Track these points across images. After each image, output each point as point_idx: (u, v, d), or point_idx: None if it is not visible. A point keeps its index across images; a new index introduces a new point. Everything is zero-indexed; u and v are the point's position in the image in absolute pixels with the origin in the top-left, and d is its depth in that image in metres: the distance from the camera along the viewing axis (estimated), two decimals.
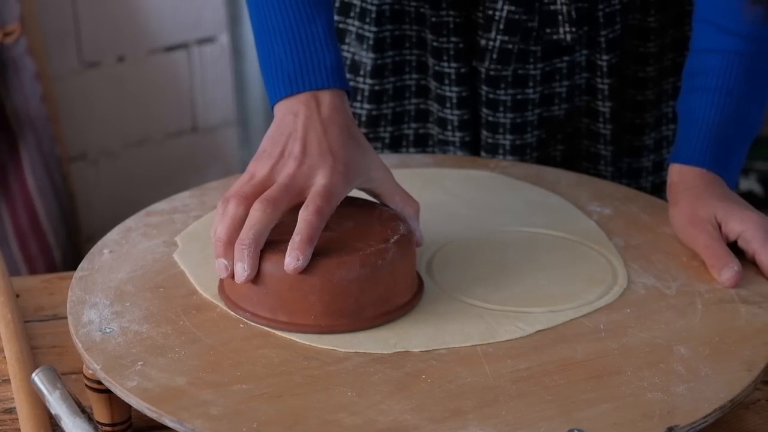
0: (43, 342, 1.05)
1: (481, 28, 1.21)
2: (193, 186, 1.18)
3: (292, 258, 0.90)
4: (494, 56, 1.22)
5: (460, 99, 1.25)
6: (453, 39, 1.22)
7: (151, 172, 2.35)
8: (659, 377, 0.86)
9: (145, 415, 0.84)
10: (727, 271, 0.98)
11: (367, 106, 1.26)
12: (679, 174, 1.07)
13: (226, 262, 0.92)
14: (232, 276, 0.92)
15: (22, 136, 2.01)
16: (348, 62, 1.26)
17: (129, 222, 1.07)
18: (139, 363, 0.87)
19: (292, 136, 0.97)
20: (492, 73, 1.23)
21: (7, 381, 0.99)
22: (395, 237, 0.94)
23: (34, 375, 0.90)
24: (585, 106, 1.27)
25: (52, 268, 2.07)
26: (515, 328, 0.92)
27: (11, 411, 0.96)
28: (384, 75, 1.26)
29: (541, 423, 0.82)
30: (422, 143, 1.30)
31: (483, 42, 1.21)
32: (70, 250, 2.14)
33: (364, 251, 0.92)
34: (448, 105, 1.25)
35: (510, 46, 1.21)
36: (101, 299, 0.95)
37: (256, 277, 0.92)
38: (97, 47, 2.22)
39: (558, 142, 1.28)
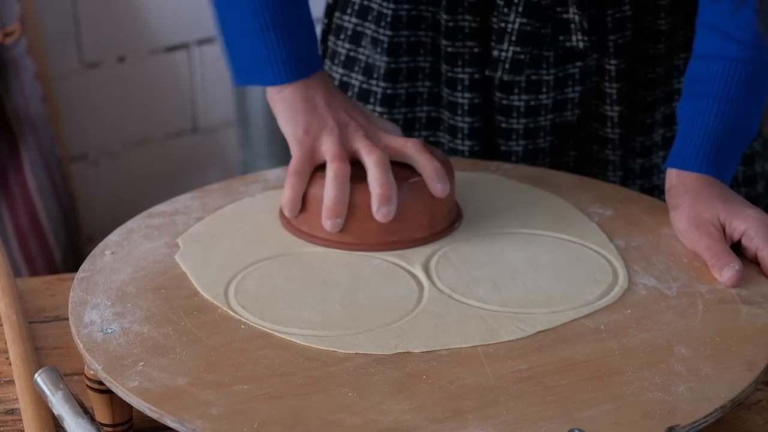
0: (45, 343, 1.05)
1: (495, 37, 1.21)
2: (194, 186, 1.19)
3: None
4: (506, 66, 1.22)
5: (472, 106, 1.25)
6: (468, 44, 1.22)
7: (151, 172, 2.35)
8: (660, 377, 0.86)
9: (147, 416, 0.84)
10: (728, 270, 0.98)
11: (379, 109, 1.27)
12: (677, 177, 1.08)
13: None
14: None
15: (22, 137, 2.01)
16: (362, 65, 1.27)
17: (130, 223, 1.08)
18: (141, 363, 0.87)
19: (331, 108, 1.09)
20: (505, 78, 1.23)
21: (9, 382, 1.00)
22: (413, 179, 1.05)
23: (36, 376, 0.90)
24: (595, 111, 1.27)
25: (52, 269, 2.07)
26: (516, 328, 0.92)
27: (13, 412, 0.97)
28: (397, 80, 1.26)
29: (542, 423, 0.82)
30: None
31: (495, 53, 1.22)
32: (70, 251, 2.14)
33: None
34: (459, 112, 1.25)
35: (522, 57, 1.21)
36: (103, 300, 0.95)
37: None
38: (98, 47, 2.22)
39: (570, 148, 1.28)
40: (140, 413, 0.85)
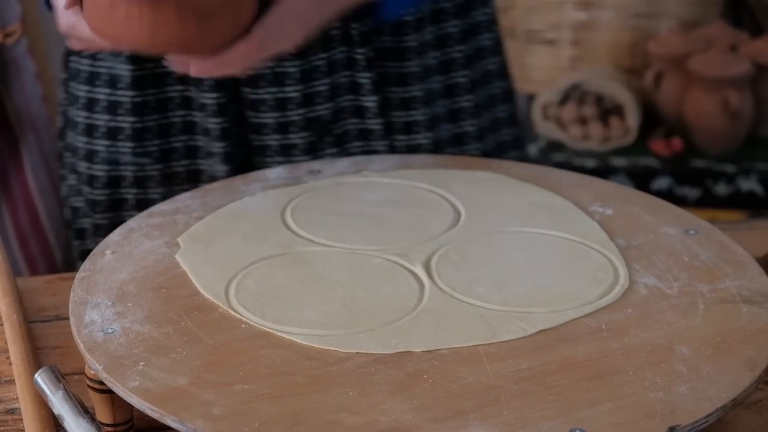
0: (45, 342, 1.05)
1: None
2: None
3: None
4: None
5: (220, 105, 1.24)
6: None
7: None
8: (661, 377, 0.86)
9: (147, 416, 0.84)
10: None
11: (130, 118, 1.25)
12: None
13: None
14: None
15: (23, 137, 2.00)
16: (106, 77, 1.26)
17: (131, 223, 1.08)
18: (141, 363, 0.87)
19: None
20: (250, 71, 1.23)
21: (10, 382, 1.00)
22: None
23: (37, 375, 0.90)
24: (352, 106, 1.27)
25: (52, 269, 2.07)
26: (517, 328, 0.92)
27: (13, 411, 0.96)
28: (145, 87, 1.25)
29: (543, 423, 0.82)
30: (192, 155, 1.28)
31: None
32: (70, 251, 2.14)
33: None
34: (210, 112, 1.24)
35: None
36: (103, 300, 0.95)
37: None
38: None
39: (327, 145, 1.28)
40: (141, 413, 0.85)
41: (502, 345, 0.90)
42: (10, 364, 1.00)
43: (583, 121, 2.46)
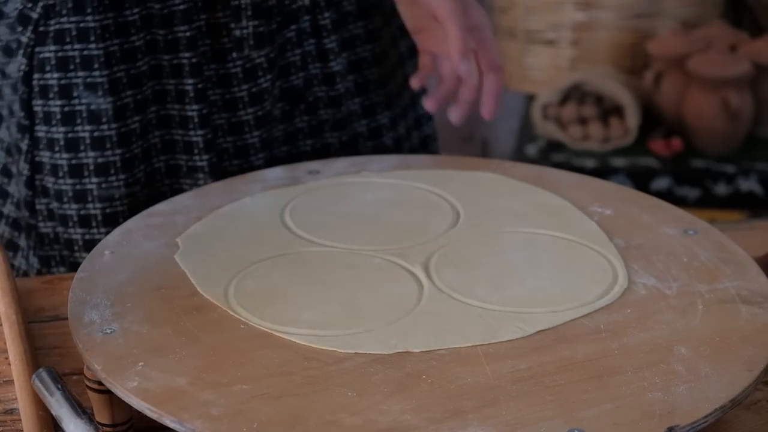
0: (44, 343, 1.05)
1: (232, 20, 1.20)
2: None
3: None
4: (251, 42, 1.21)
5: (202, 117, 1.21)
6: (186, 55, 1.19)
7: None
8: (660, 377, 0.86)
9: (146, 416, 0.84)
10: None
11: (118, 150, 1.20)
12: None
13: None
14: None
15: None
16: (85, 115, 1.19)
17: (130, 223, 1.08)
18: (140, 363, 0.87)
19: None
20: (251, 53, 1.22)
21: (8, 382, 1.00)
22: None
23: (35, 376, 0.90)
24: (320, 73, 1.28)
25: None
26: (516, 328, 0.92)
27: (12, 412, 0.97)
28: (126, 116, 1.20)
29: (542, 423, 0.82)
30: (175, 175, 1.25)
31: (237, 32, 1.20)
32: None
33: None
34: (191, 126, 1.22)
35: (261, 29, 1.21)
36: (102, 300, 0.95)
37: None
38: None
39: (302, 113, 1.28)
40: (140, 413, 0.85)
41: (500, 345, 0.90)
42: (9, 364, 1.00)
43: (583, 121, 2.46)
